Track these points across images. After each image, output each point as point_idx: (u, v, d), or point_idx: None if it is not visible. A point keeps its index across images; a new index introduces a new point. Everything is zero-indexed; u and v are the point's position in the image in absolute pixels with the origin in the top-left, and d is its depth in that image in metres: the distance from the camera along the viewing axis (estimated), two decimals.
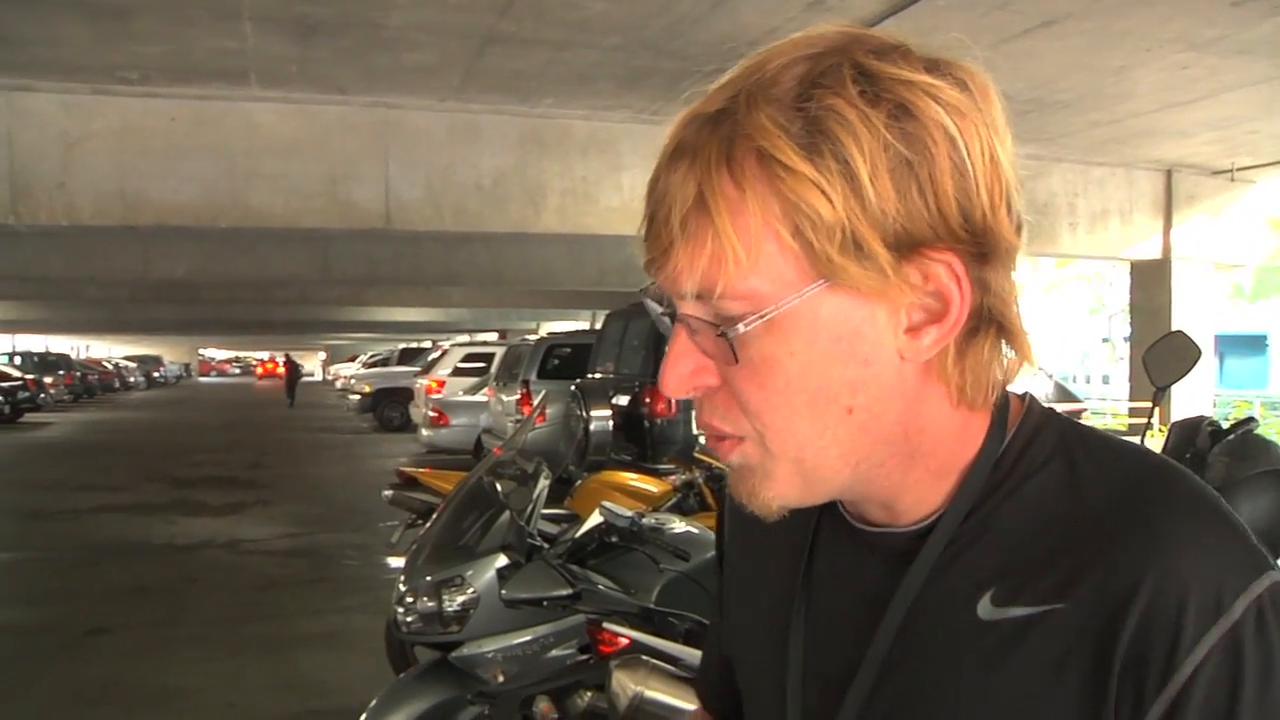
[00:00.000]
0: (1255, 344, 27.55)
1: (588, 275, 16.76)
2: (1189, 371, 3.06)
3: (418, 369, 20.42)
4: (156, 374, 56.43)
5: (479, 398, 15.36)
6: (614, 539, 3.24)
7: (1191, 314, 11.38)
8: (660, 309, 0.76)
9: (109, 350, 64.42)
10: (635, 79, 8.08)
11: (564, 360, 13.08)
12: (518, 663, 3.15)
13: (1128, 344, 16.46)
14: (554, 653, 3.17)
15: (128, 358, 55.26)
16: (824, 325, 0.68)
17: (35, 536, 10.16)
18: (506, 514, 3.28)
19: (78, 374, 36.66)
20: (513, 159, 9.09)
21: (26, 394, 26.46)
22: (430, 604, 3.16)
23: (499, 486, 3.36)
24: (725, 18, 6.67)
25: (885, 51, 0.67)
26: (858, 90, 0.65)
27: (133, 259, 15.39)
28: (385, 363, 27.65)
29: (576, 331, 19.34)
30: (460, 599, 3.14)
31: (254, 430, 23.84)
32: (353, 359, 43.64)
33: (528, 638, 3.17)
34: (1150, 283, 12.17)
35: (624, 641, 2.84)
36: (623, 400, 9.22)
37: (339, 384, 37.98)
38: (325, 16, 6.74)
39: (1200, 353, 3.04)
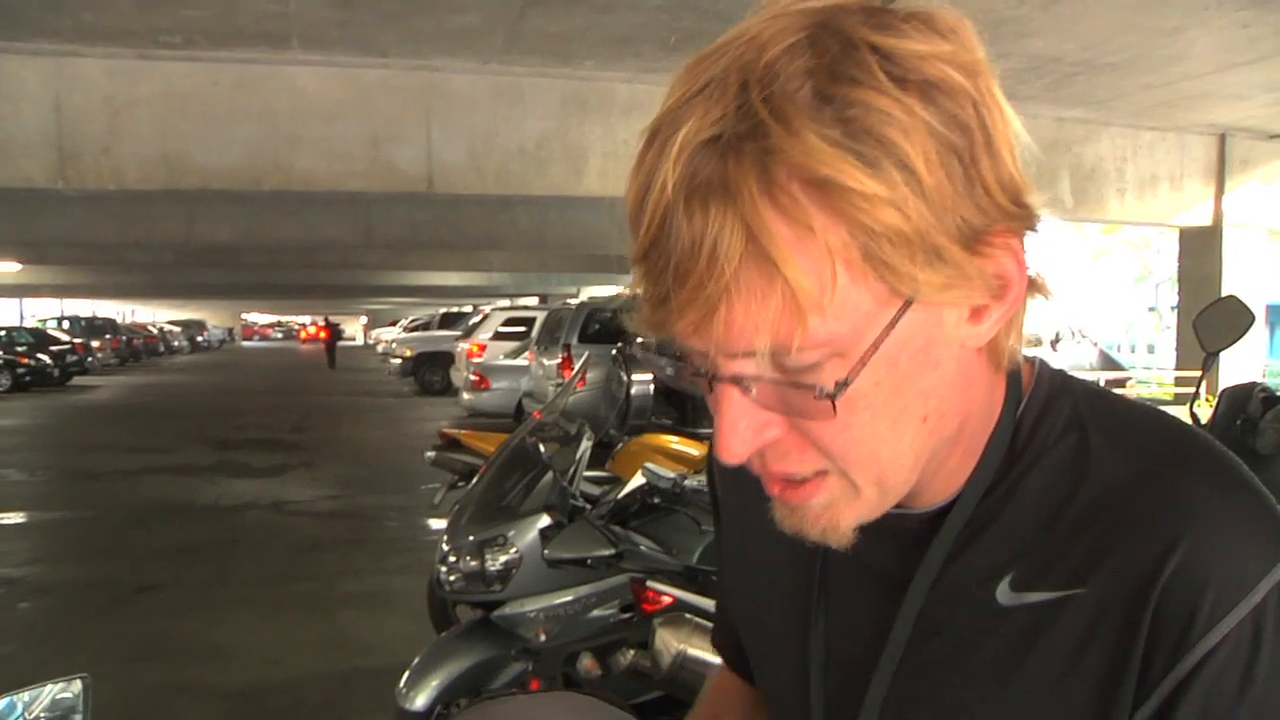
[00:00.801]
0: None
1: (629, 239, 16.66)
2: (1241, 337, 2.97)
3: (459, 333, 20.49)
4: (200, 338, 57.12)
5: (520, 362, 15.42)
6: (656, 500, 3.25)
7: (1242, 282, 11.08)
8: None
9: (153, 315, 65.20)
10: (678, 42, 7.98)
11: (605, 325, 13.12)
12: (559, 622, 3.18)
13: (1174, 313, 16.21)
14: (595, 612, 3.19)
15: (172, 322, 55.89)
16: (903, 344, 0.61)
17: (86, 496, 10.38)
18: (550, 475, 3.30)
19: (123, 338, 37.22)
20: (555, 122, 9.06)
21: (75, 358, 26.97)
22: (473, 563, 3.19)
23: (542, 448, 3.38)
24: None
25: (883, 20, 0.59)
26: (887, 76, 0.57)
27: (177, 223, 15.51)
28: (426, 327, 27.68)
29: (617, 296, 19.30)
30: (503, 558, 3.17)
31: (296, 393, 24.08)
32: (394, 323, 43.93)
33: (569, 598, 3.20)
34: (1200, 250, 11.91)
35: (667, 600, 2.86)
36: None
37: (380, 348, 38.22)
38: None
39: (1254, 318, 2.95)
